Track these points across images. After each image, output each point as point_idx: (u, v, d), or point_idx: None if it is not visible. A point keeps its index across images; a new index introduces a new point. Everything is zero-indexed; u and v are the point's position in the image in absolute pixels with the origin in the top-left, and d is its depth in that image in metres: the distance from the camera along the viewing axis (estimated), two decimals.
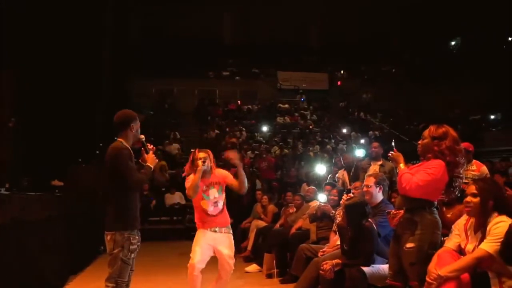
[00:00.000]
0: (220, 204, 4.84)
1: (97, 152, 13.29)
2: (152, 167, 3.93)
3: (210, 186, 4.80)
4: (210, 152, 4.89)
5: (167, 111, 19.18)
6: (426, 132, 3.72)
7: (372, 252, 4.47)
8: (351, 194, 5.25)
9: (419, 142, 3.76)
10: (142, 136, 4.04)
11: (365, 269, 4.34)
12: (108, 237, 3.74)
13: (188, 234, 11.10)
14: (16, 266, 4.81)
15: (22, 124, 9.62)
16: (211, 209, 4.77)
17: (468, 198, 3.49)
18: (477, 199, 3.42)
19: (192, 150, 4.98)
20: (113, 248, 3.70)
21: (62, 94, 11.79)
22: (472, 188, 3.46)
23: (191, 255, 4.68)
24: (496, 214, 3.33)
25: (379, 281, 4.35)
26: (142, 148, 4.03)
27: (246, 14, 22.89)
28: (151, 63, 19.50)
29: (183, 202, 11.30)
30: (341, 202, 5.21)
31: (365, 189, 5.00)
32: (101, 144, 13.80)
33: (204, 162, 4.66)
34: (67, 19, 11.91)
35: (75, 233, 6.97)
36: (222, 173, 4.97)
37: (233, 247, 4.85)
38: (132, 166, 3.75)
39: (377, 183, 4.95)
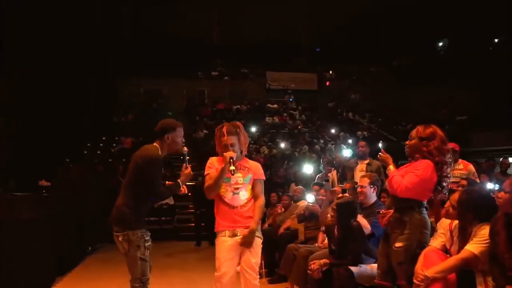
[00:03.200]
0: (243, 195, 3.76)
1: (85, 152, 13.26)
2: (182, 185, 3.78)
3: (236, 169, 3.74)
4: (241, 127, 3.89)
5: (156, 111, 19.11)
6: (413, 133, 3.73)
7: (360, 251, 4.48)
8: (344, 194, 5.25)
9: (407, 142, 3.77)
10: (186, 149, 3.89)
11: (353, 268, 4.34)
12: (120, 238, 3.59)
13: (176, 234, 11.11)
14: (1, 266, 4.77)
15: (9, 124, 9.56)
16: (229, 197, 3.73)
17: (447, 205, 3.57)
18: (454, 212, 3.49)
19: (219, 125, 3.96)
20: (128, 249, 3.58)
21: (50, 95, 11.75)
22: (454, 199, 3.51)
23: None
24: (477, 222, 3.37)
25: (367, 281, 4.36)
26: (184, 163, 3.88)
27: (236, 14, 22.87)
28: (141, 63, 19.42)
29: (172, 202, 11.27)
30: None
31: (359, 189, 4.98)
32: (88, 144, 13.79)
33: (232, 161, 3.64)
34: (56, 20, 11.87)
35: (62, 234, 6.92)
36: (255, 165, 3.95)
37: (258, 255, 3.74)
38: (159, 178, 3.69)
39: (372, 184, 4.94)
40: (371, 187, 4.92)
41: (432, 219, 4.26)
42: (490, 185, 6.57)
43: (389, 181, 3.65)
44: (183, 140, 3.88)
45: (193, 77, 21.52)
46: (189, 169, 3.85)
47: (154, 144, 3.74)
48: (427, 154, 3.59)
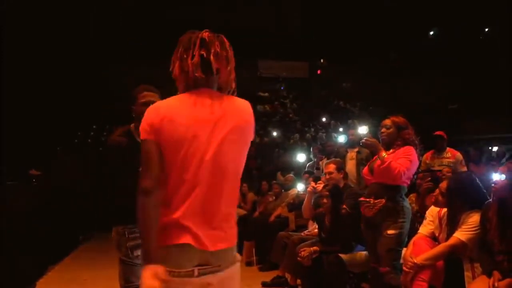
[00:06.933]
0: None
1: (76, 141, 13.23)
2: None
3: None
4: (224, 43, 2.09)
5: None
6: (388, 122, 3.81)
7: (350, 239, 4.50)
8: (320, 182, 5.23)
9: (383, 131, 3.82)
10: None
11: (343, 256, 4.36)
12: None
13: None
14: None
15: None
16: None
17: (436, 193, 3.62)
18: (444, 200, 3.54)
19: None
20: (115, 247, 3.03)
21: (40, 82, 11.67)
22: (444, 187, 3.55)
23: None
24: (466, 209, 3.41)
25: (357, 268, 4.40)
26: None
27: (229, 1, 22.71)
28: (131, 49, 19.27)
29: None
30: (308, 189, 5.13)
31: (327, 176, 4.98)
32: (79, 133, 13.74)
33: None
34: (45, 8, 11.77)
35: (54, 223, 6.91)
36: None
37: None
38: (111, 164, 3.10)
39: (338, 169, 4.97)
40: (338, 172, 4.94)
41: (416, 207, 4.32)
42: (496, 176, 6.52)
43: (385, 167, 3.61)
44: None
45: None
46: None
47: (129, 125, 3.15)
48: (410, 141, 3.70)
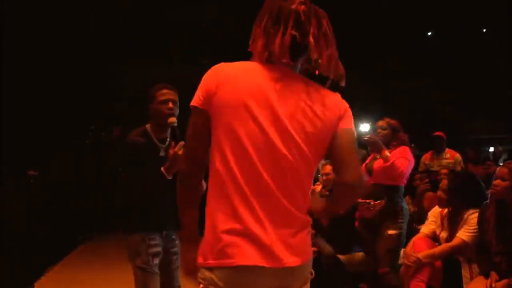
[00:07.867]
0: None
1: (75, 140, 13.24)
2: (166, 173, 2.70)
3: None
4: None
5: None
6: (383, 123, 3.88)
7: (348, 239, 4.50)
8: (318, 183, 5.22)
9: (379, 131, 3.86)
10: (172, 120, 2.84)
11: (342, 257, 4.33)
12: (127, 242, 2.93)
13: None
14: None
15: None
16: None
17: (439, 193, 3.65)
18: (445, 197, 3.57)
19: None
20: (128, 256, 2.86)
21: (39, 82, 11.68)
22: (444, 184, 3.59)
23: None
24: (467, 207, 3.43)
25: (356, 269, 4.39)
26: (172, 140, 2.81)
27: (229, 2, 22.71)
28: (131, 49, 19.23)
29: None
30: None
31: (324, 177, 4.96)
32: (78, 133, 13.74)
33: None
34: (43, 9, 11.77)
35: (53, 223, 6.91)
36: None
37: None
38: (122, 166, 2.95)
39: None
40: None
41: (413, 208, 4.34)
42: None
43: (389, 166, 3.65)
44: (169, 107, 2.87)
45: (184, 64, 21.40)
46: (177, 148, 2.69)
47: (146, 125, 3.02)
48: (405, 142, 3.75)
